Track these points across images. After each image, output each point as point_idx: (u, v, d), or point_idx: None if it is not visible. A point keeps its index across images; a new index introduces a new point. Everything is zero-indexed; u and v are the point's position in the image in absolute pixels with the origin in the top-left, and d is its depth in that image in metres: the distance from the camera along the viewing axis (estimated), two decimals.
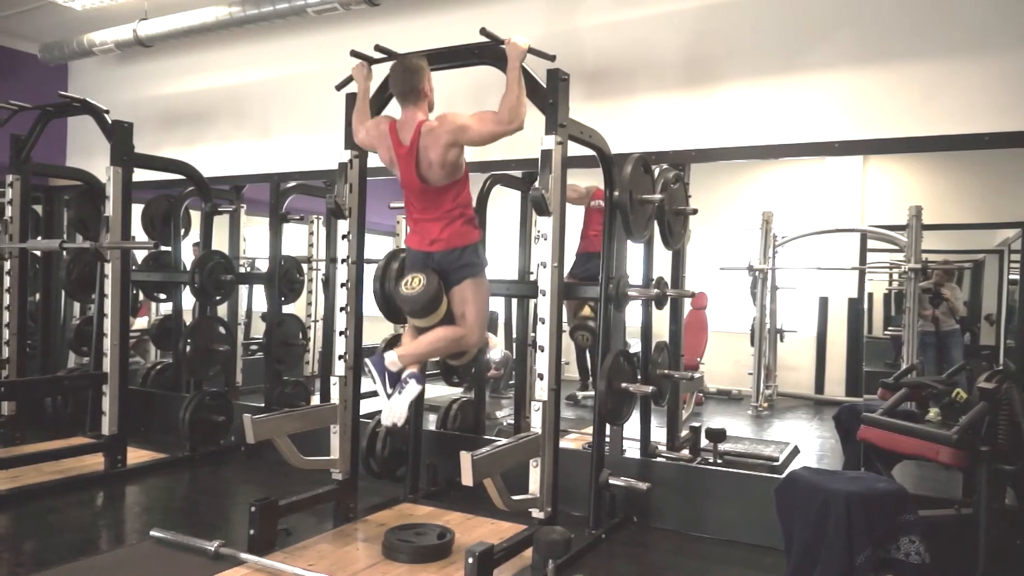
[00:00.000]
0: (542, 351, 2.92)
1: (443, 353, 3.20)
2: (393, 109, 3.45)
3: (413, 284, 3.00)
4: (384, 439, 3.76)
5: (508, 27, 3.10)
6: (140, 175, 4.36)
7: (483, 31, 2.98)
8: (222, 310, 5.19)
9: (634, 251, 3.71)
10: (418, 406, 3.68)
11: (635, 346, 3.88)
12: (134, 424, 4.31)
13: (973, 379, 3.15)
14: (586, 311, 5.33)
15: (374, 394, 3.82)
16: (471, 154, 3.21)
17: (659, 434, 4.08)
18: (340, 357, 3.40)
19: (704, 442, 4.14)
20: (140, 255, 5.54)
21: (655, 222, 3.59)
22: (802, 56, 3.56)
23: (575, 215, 5.28)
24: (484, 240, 3.89)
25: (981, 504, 2.67)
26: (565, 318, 5.38)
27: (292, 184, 5.08)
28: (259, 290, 6.28)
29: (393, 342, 3.73)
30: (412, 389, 2.98)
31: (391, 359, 3.00)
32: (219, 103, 5.45)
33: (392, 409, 2.97)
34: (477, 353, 3.42)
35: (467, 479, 2.50)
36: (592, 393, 3.91)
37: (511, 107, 2.90)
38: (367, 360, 3.08)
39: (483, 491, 2.71)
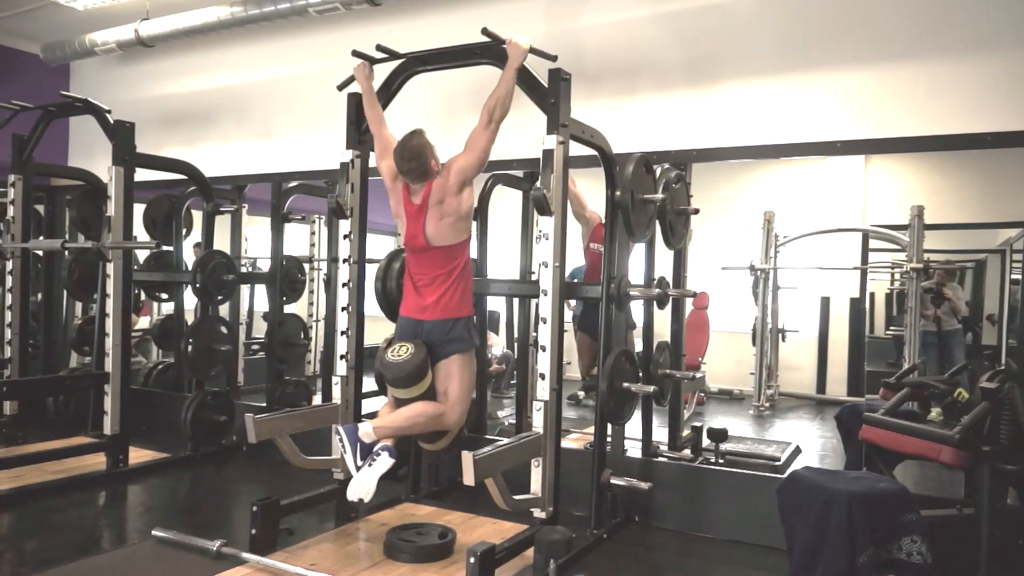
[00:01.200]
0: (543, 351, 2.92)
1: (420, 431, 3.03)
2: (400, 102, 3.46)
3: (400, 352, 2.93)
4: None
5: (510, 27, 3.10)
6: (142, 175, 4.37)
7: (484, 31, 2.98)
8: (224, 310, 5.19)
9: (635, 251, 3.71)
10: None
11: (637, 346, 3.88)
12: (136, 424, 4.31)
13: (975, 379, 3.15)
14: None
15: (376, 393, 3.84)
16: None
17: (661, 434, 4.08)
18: (342, 357, 3.40)
19: (706, 442, 4.14)
20: (142, 255, 5.54)
21: (657, 222, 3.59)
22: (804, 56, 3.56)
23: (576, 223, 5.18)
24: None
25: (983, 504, 2.66)
26: (577, 368, 5.25)
27: (294, 184, 5.08)
28: (261, 290, 6.29)
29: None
30: (383, 463, 2.82)
31: (365, 430, 2.88)
32: (221, 103, 5.46)
33: (360, 483, 2.80)
34: (456, 437, 3.19)
35: (468, 479, 2.50)
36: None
37: (490, 108, 2.93)
38: (339, 428, 2.95)
39: (485, 491, 2.71)
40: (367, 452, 2.86)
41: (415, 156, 2.94)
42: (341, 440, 2.89)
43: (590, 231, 4.77)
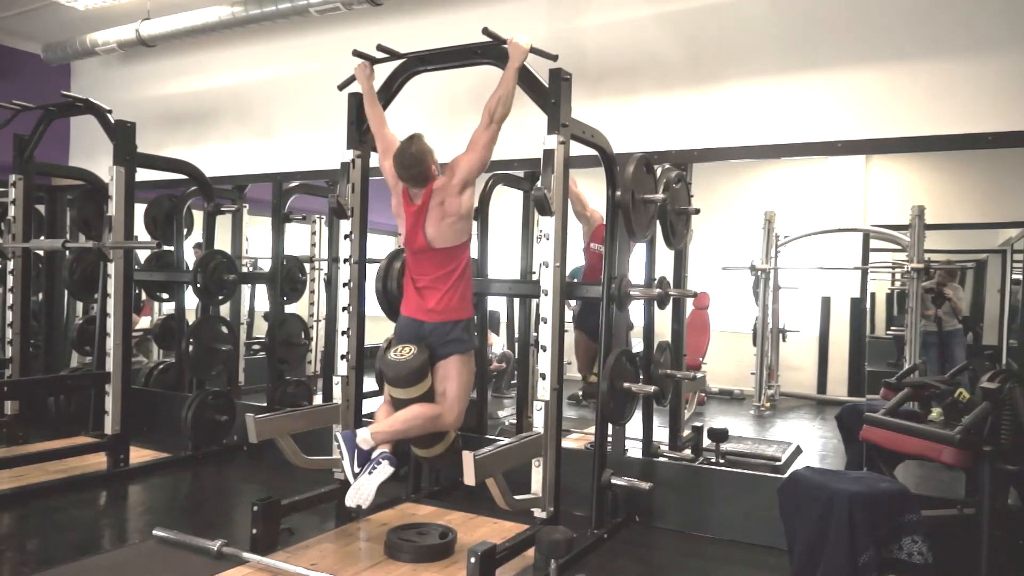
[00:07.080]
0: (544, 351, 2.92)
1: (418, 433, 2.97)
2: (402, 101, 3.46)
3: (403, 352, 2.93)
4: None
5: (511, 27, 3.10)
6: (143, 175, 4.37)
7: (485, 31, 2.98)
8: (224, 310, 5.19)
9: (636, 251, 3.71)
10: None
11: (637, 346, 3.87)
12: (137, 423, 4.31)
13: (975, 379, 3.15)
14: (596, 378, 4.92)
15: (376, 393, 3.84)
16: None
17: (661, 434, 4.08)
18: (342, 357, 3.40)
19: (706, 442, 4.14)
20: (143, 255, 5.54)
21: (657, 222, 3.59)
22: (805, 55, 3.56)
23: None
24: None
25: (984, 504, 2.67)
26: (576, 368, 5.22)
27: (295, 184, 5.08)
28: (261, 290, 6.29)
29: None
30: (383, 471, 2.80)
31: (363, 436, 2.85)
32: (222, 103, 5.46)
33: (360, 490, 2.77)
34: (451, 445, 3.14)
35: (469, 478, 2.50)
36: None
37: (491, 109, 2.93)
38: (337, 433, 2.93)
39: (485, 491, 2.71)
40: (365, 459, 2.84)
41: (415, 163, 2.95)
42: (339, 445, 2.88)
43: (591, 230, 4.72)
